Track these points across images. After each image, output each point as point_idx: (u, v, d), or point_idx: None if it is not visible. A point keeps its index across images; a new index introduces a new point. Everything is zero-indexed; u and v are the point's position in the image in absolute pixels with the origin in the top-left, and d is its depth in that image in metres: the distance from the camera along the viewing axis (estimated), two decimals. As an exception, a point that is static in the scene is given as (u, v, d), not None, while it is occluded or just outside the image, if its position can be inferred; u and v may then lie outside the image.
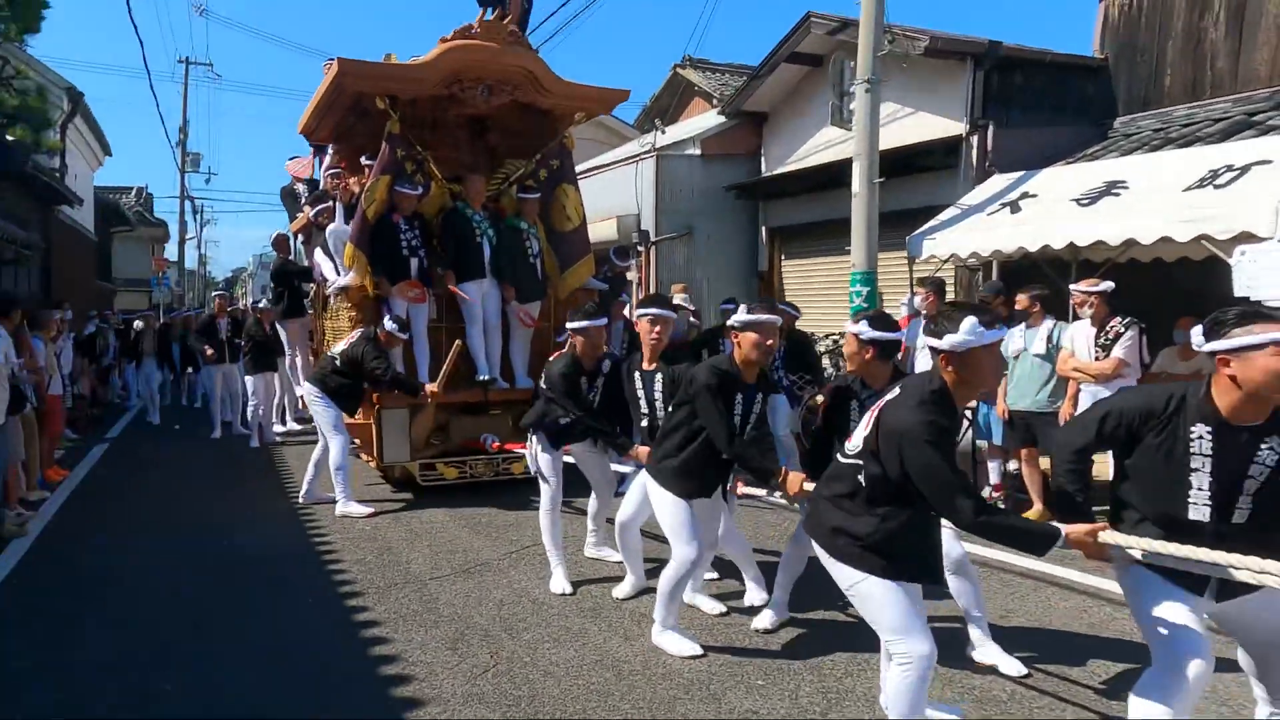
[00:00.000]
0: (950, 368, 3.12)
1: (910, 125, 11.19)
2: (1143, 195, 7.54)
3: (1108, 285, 6.88)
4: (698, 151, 14.51)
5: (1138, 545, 2.96)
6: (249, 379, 11.98)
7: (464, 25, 8.74)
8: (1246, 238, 6.23)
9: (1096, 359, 6.66)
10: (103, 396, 16.37)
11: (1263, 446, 2.87)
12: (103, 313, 19.82)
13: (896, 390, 3.30)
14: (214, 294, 17.09)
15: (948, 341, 3.07)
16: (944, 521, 3.33)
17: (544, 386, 5.91)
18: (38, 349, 9.16)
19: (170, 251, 39.65)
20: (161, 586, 5.80)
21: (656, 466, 4.66)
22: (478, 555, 6.37)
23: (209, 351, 13.00)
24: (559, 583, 5.63)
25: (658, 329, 5.11)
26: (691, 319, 11.00)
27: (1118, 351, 6.55)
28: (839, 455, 3.46)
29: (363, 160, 9.23)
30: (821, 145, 12.50)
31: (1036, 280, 7.82)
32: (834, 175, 10.20)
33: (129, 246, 33.42)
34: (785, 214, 13.69)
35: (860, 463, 3.27)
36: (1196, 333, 2.96)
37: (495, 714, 3.87)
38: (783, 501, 6.85)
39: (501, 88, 8.81)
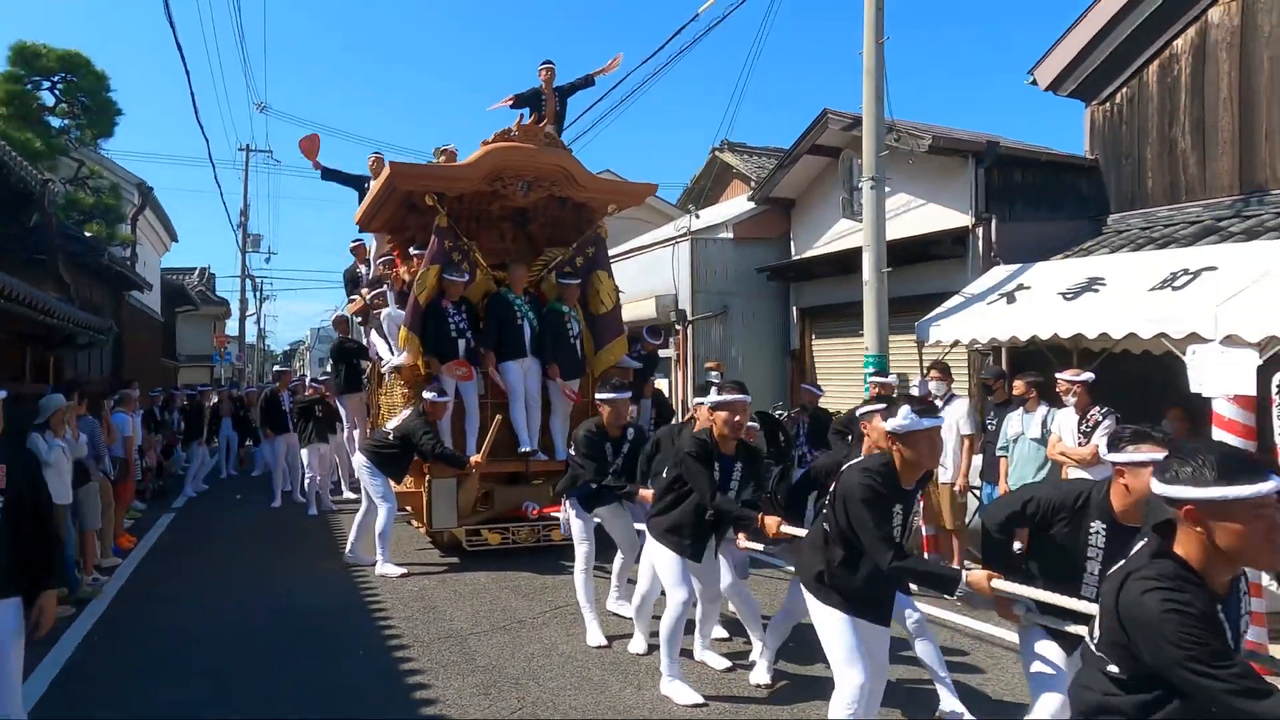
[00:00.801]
0: (895, 447, 3.76)
1: (922, 216, 11.79)
2: (1118, 292, 8.07)
3: (1088, 376, 7.39)
4: (730, 235, 15.20)
5: (1023, 592, 3.54)
6: (304, 451, 12.77)
7: (503, 129, 9.62)
8: (1195, 338, 6.75)
9: (1079, 444, 7.15)
10: (167, 469, 17.25)
11: None
12: (168, 390, 20.83)
13: (857, 460, 3.97)
14: (275, 368, 18.10)
15: (890, 424, 3.72)
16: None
17: (570, 451, 6.61)
18: (123, 423, 10.09)
19: (231, 327, 40.89)
20: (226, 639, 6.47)
21: (652, 523, 5.35)
22: (515, 614, 6.99)
23: (269, 433, 14.00)
24: (594, 636, 6.24)
25: (736, 418, 5.16)
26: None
27: (1096, 439, 7.01)
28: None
29: (412, 250, 10.06)
30: (845, 231, 13.11)
31: (1042, 366, 8.33)
32: (855, 260, 10.81)
33: (192, 324, 34.74)
34: (814, 295, 14.30)
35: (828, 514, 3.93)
36: (1102, 443, 3.59)
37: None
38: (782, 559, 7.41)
39: (539, 183, 9.68)
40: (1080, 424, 7.24)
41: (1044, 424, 7.62)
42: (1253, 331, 6.35)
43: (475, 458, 8.63)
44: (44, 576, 3.83)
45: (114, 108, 18.41)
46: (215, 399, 17.80)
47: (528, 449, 9.41)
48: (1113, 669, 2.47)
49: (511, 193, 9.65)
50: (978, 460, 8.57)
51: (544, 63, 11.51)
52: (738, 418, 5.04)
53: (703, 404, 5.45)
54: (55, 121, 17.99)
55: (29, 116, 16.98)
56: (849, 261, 11.55)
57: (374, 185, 10.54)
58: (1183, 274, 7.70)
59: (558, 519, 7.70)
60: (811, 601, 3.99)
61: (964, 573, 3.59)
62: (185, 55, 20.77)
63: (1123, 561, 2.56)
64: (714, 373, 11.87)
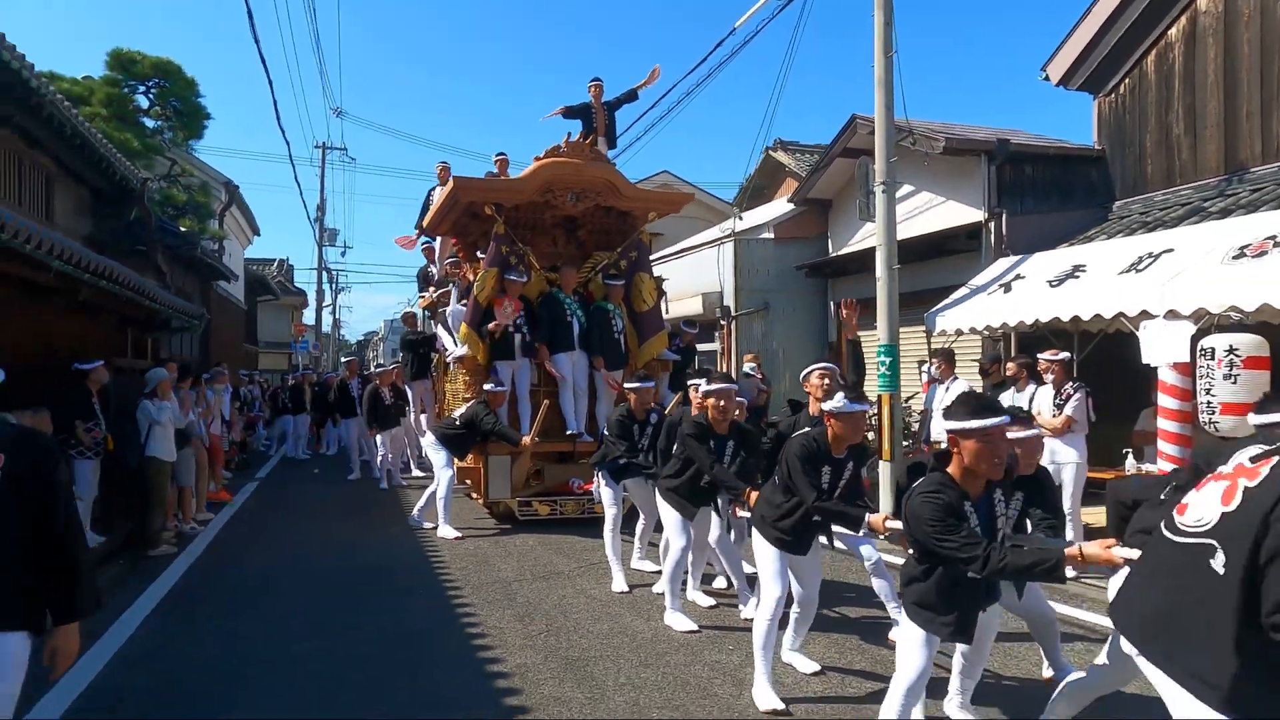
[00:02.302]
0: (830, 421, 4.86)
1: (940, 213, 12.70)
2: (1094, 277, 8.92)
3: (1064, 355, 8.32)
4: (771, 235, 16.20)
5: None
6: (378, 436, 14.13)
7: (553, 145, 10.87)
8: (1145, 315, 7.65)
9: (1055, 417, 8.12)
10: (250, 445, 18.83)
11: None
12: (247, 373, 22.46)
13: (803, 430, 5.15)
14: (345, 358, 19.63)
15: (827, 405, 4.86)
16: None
17: (604, 432, 7.81)
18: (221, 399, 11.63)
19: (308, 317, 42.86)
20: (305, 582, 7.70)
21: (661, 483, 6.62)
22: (554, 567, 8.17)
23: (338, 418, 15.61)
24: (619, 584, 7.39)
25: (722, 403, 6.19)
26: (761, 385, 12.67)
27: (1067, 410, 7.99)
28: None
29: (477, 254, 11.26)
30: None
31: (1046, 348, 9.19)
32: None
33: (272, 313, 36.59)
34: (850, 290, 15.14)
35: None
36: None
37: (540, 657, 5.61)
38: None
39: (587, 194, 10.86)
40: (1056, 398, 8.17)
41: (1031, 401, 8.47)
42: (1187, 305, 7.26)
43: (526, 438, 9.76)
44: (59, 608, 3.11)
45: (203, 112, 19.81)
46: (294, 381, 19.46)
47: (573, 431, 10.58)
48: (911, 552, 3.79)
49: (562, 203, 10.83)
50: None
51: (593, 80, 12.59)
52: (724, 403, 6.14)
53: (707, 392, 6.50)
54: (149, 123, 19.36)
55: (126, 118, 18.31)
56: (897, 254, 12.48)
57: (439, 195, 11.75)
58: (1147, 257, 8.54)
59: (602, 495, 8.87)
60: (755, 535, 5.15)
61: (866, 514, 4.71)
62: (268, 64, 22.21)
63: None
64: (750, 364, 12.92)
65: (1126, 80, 11.76)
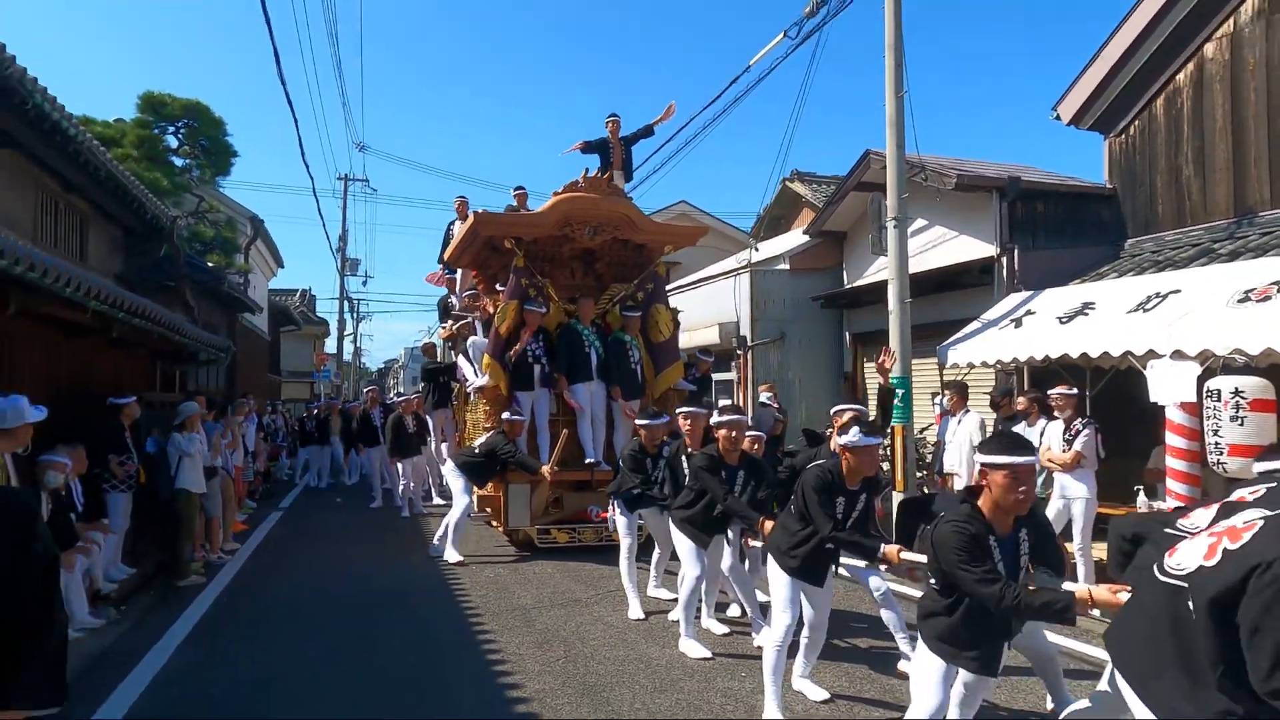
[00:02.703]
0: (845, 455, 5.05)
1: (953, 247, 12.86)
2: (1103, 315, 9.06)
3: (1074, 391, 8.48)
4: (787, 266, 16.39)
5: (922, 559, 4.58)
6: (400, 464, 14.38)
7: (571, 181, 11.14)
8: (1152, 354, 7.79)
9: (1064, 452, 8.25)
10: (273, 474, 19.11)
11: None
12: (270, 403, 22.81)
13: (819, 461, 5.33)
14: (366, 389, 19.94)
15: (843, 439, 5.03)
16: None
17: (620, 464, 8.02)
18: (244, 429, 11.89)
19: (329, 345, 43.18)
20: (330, 606, 7.94)
21: (674, 514, 6.76)
22: (572, 594, 8.36)
23: (361, 447, 15.98)
24: (635, 611, 7.57)
25: (732, 433, 6.41)
26: (777, 415, 12.84)
27: (1076, 445, 8.12)
28: None
29: (496, 287, 11.52)
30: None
31: (1059, 383, 9.33)
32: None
33: (294, 342, 37.03)
34: (865, 321, 15.40)
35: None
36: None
37: (558, 682, 5.81)
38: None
39: (604, 228, 11.09)
40: (1065, 433, 8.31)
41: (1042, 435, 8.60)
42: (1193, 346, 7.42)
43: (545, 467, 9.97)
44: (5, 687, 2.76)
45: (231, 150, 20.38)
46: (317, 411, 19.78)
47: (592, 460, 10.78)
48: (934, 583, 3.88)
49: (579, 236, 11.07)
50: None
51: (610, 116, 12.84)
52: (734, 434, 6.34)
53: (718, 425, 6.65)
54: (178, 161, 19.90)
55: (156, 158, 18.87)
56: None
57: (460, 228, 12.03)
58: (1155, 297, 8.69)
59: (618, 521, 9.06)
60: (770, 562, 5.32)
61: (881, 545, 4.84)
62: (293, 103, 22.66)
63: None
64: (766, 393, 13.09)
65: (1136, 122, 11.92)
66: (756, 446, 6.94)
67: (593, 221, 11.02)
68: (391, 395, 31.15)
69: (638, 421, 8.23)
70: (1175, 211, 11.43)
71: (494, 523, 11.69)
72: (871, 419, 7.52)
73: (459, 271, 14.29)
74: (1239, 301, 7.61)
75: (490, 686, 5.76)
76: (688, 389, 11.78)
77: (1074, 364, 9.47)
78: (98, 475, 8.45)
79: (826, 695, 5.54)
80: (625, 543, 7.93)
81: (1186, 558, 2.94)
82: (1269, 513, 2.86)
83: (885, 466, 9.94)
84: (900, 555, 4.73)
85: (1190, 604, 2.80)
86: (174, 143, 19.76)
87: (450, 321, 13.76)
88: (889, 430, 9.85)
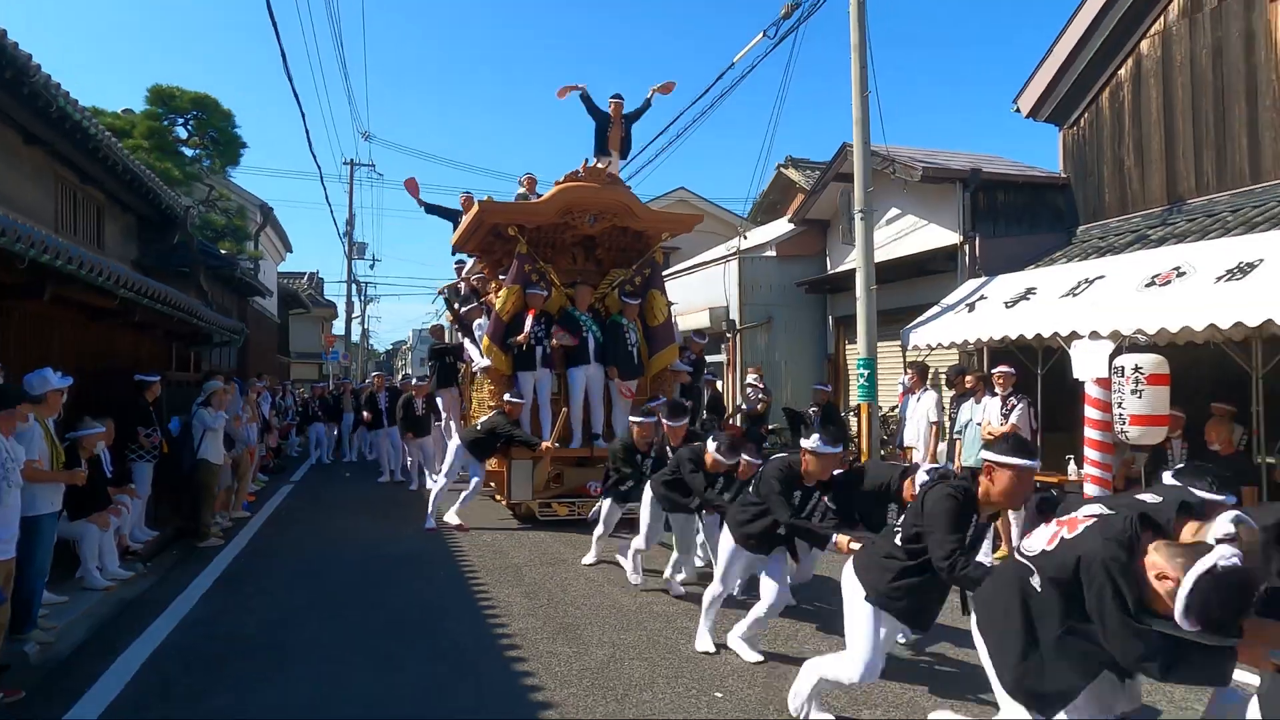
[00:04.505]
0: (805, 458, 5.60)
1: (922, 235, 13.61)
2: (1042, 300, 9.81)
3: (1009, 370, 9.26)
4: (774, 253, 17.10)
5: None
6: (408, 444, 15.22)
7: (572, 171, 11.80)
8: (1074, 335, 8.55)
9: (1001, 424, 8.96)
10: (283, 450, 19.84)
11: None
12: (282, 383, 23.50)
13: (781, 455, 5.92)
14: (373, 372, 20.69)
15: (806, 444, 5.60)
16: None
17: (610, 459, 8.72)
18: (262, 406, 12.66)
19: (338, 327, 43.91)
20: (340, 566, 8.73)
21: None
22: (561, 555, 9.20)
23: (367, 416, 17.17)
24: (589, 558, 8.62)
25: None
26: (762, 395, 13.54)
27: (1011, 418, 8.95)
28: None
29: (499, 275, 12.23)
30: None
31: (1014, 363, 9.78)
32: (880, 274, 12.42)
33: (303, 324, 37.62)
34: (846, 305, 15.92)
35: None
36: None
37: (539, 621, 6.70)
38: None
39: (603, 216, 11.72)
40: (1002, 408, 9.13)
41: (984, 410, 9.37)
42: (1106, 327, 8.24)
43: (545, 443, 10.66)
44: None
45: (239, 141, 20.83)
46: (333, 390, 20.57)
47: (578, 445, 11.46)
48: (898, 539, 4.32)
49: (580, 224, 11.70)
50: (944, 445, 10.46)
51: (614, 96, 12.97)
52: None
53: (710, 450, 6.90)
54: (188, 152, 20.45)
55: (166, 148, 19.45)
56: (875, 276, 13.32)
57: (466, 217, 12.66)
58: (1083, 282, 9.48)
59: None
60: (723, 531, 6.07)
61: (834, 535, 5.25)
62: (297, 90, 23.26)
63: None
64: (753, 376, 13.77)
65: (1086, 115, 12.60)
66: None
67: (594, 209, 11.63)
68: (400, 377, 31.91)
69: (631, 418, 8.76)
70: (1119, 200, 12.14)
71: (498, 496, 12.35)
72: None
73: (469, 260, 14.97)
74: (1146, 286, 8.42)
75: (480, 626, 6.60)
76: (683, 369, 12.41)
77: (1028, 344, 10.13)
78: (124, 445, 9.25)
79: (760, 658, 5.83)
80: (599, 530, 8.71)
81: (1037, 542, 3.55)
82: (1106, 511, 3.41)
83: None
84: (850, 545, 4.95)
85: (1037, 580, 3.44)
86: (183, 134, 20.21)
87: (457, 304, 14.40)
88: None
